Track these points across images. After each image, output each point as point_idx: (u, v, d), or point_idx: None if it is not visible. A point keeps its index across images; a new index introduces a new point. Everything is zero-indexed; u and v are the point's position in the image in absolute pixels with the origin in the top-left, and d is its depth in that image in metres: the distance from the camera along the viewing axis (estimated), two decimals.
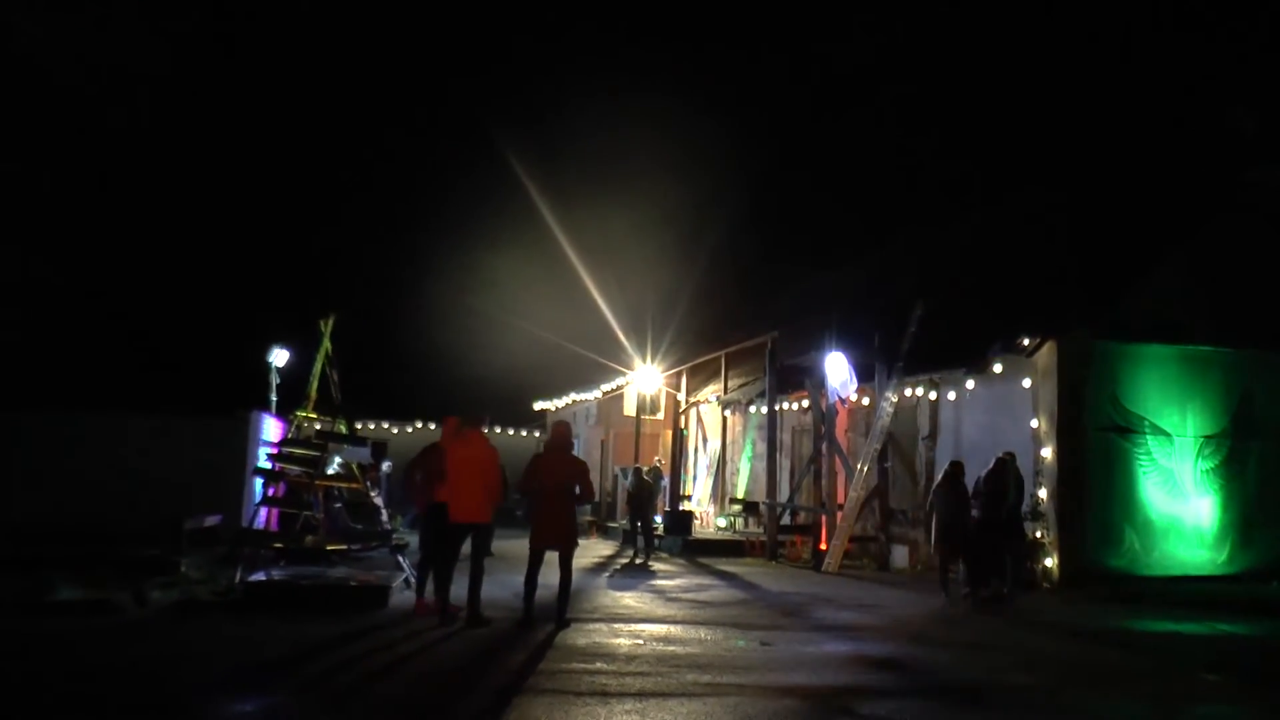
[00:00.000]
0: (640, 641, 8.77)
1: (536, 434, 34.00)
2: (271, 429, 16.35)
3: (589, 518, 23.70)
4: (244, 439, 15.40)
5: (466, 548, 9.77)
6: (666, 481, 21.60)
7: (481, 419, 9.92)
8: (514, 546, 16.05)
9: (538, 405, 32.25)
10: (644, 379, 22.28)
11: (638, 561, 16.70)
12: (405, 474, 10.54)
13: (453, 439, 9.94)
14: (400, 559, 12.52)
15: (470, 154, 51.52)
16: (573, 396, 28.40)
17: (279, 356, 16.24)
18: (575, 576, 10.02)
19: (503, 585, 11.66)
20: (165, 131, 40.43)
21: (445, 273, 43.19)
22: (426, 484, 10.06)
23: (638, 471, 18.69)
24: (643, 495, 17.93)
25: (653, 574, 14.83)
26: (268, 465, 13.27)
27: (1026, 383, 14.26)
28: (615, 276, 28.98)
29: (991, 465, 12.33)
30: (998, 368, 14.59)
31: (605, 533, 22.38)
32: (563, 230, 28.64)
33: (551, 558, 9.53)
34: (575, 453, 9.93)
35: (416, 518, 16.81)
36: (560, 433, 9.69)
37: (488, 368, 34.35)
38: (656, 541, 19.36)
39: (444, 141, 49.69)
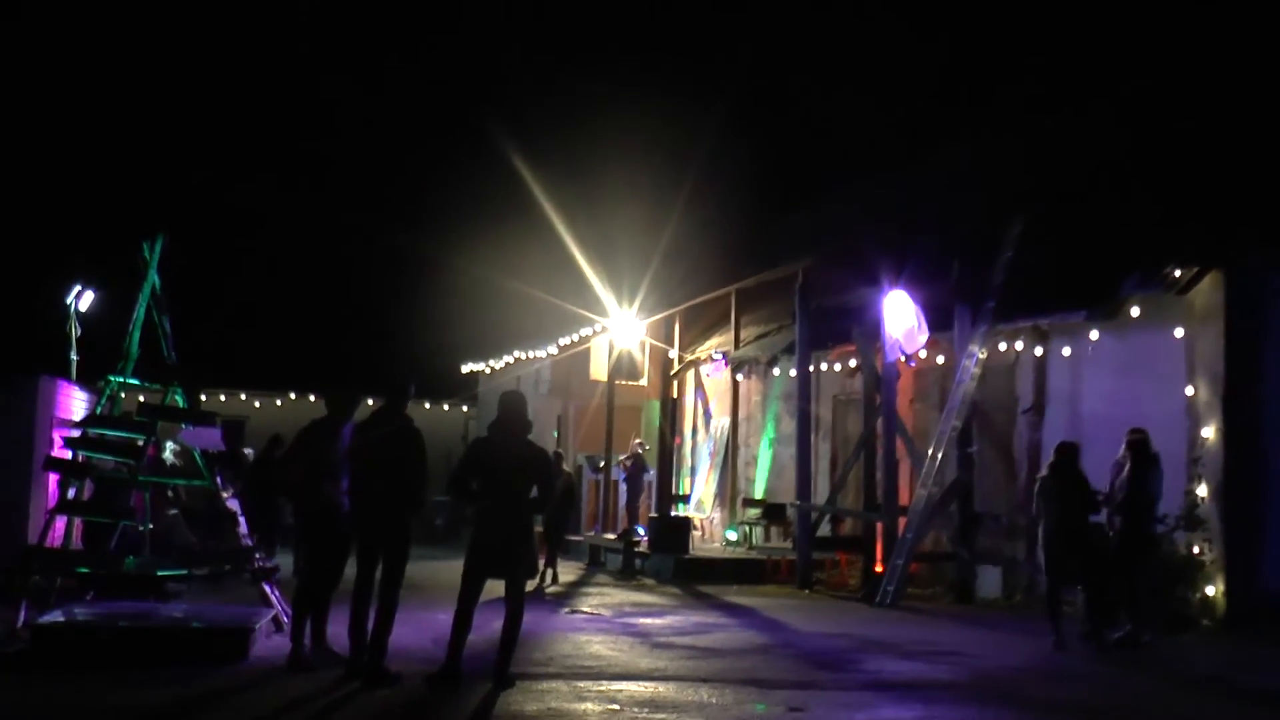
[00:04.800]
0: (616, 707, 8.75)
1: (464, 409, 33.88)
2: (72, 402, 16.05)
3: (537, 528, 23.69)
4: (28, 417, 15.10)
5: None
6: (652, 475, 21.56)
7: (405, 389, 10.04)
8: (432, 571, 15.92)
9: (466, 368, 32.11)
10: (619, 329, 22.06)
11: (547, 587, 17.17)
12: (281, 468, 10.44)
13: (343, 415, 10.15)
14: (268, 589, 12.39)
15: (368, 33, 50.80)
16: (516, 354, 28.24)
17: (83, 298, 15.87)
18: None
19: (417, 625, 11.59)
20: None
21: (330, 182, 42.69)
22: (312, 482, 10.07)
23: (558, 457, 18.96)
24: (565, 493, 18.40)
25: (562, 603, 15.37)
26: (66, 455, 13.03)
27: (1178, 332, 14.24)
28: (578, 186, 28.69)
29: (1127, 449, 12.30)
30: (1135, 310, 14.57)
31: (564, 549, 22.31)
32: (503, 127, 28.39)
33: (493, 588, 9.46)
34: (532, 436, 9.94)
35: (270, 526, 16.68)
36: (511, 407, 9.65)
37: (393, 315, 34.05)
38: (638, 562, 19.45)
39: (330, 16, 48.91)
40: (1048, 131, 21.43)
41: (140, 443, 12.58)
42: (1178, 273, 13.95)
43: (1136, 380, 14.74)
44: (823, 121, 34.34)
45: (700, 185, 28.82)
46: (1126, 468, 12.26)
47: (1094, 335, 15.25)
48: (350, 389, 10.56)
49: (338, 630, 9.95)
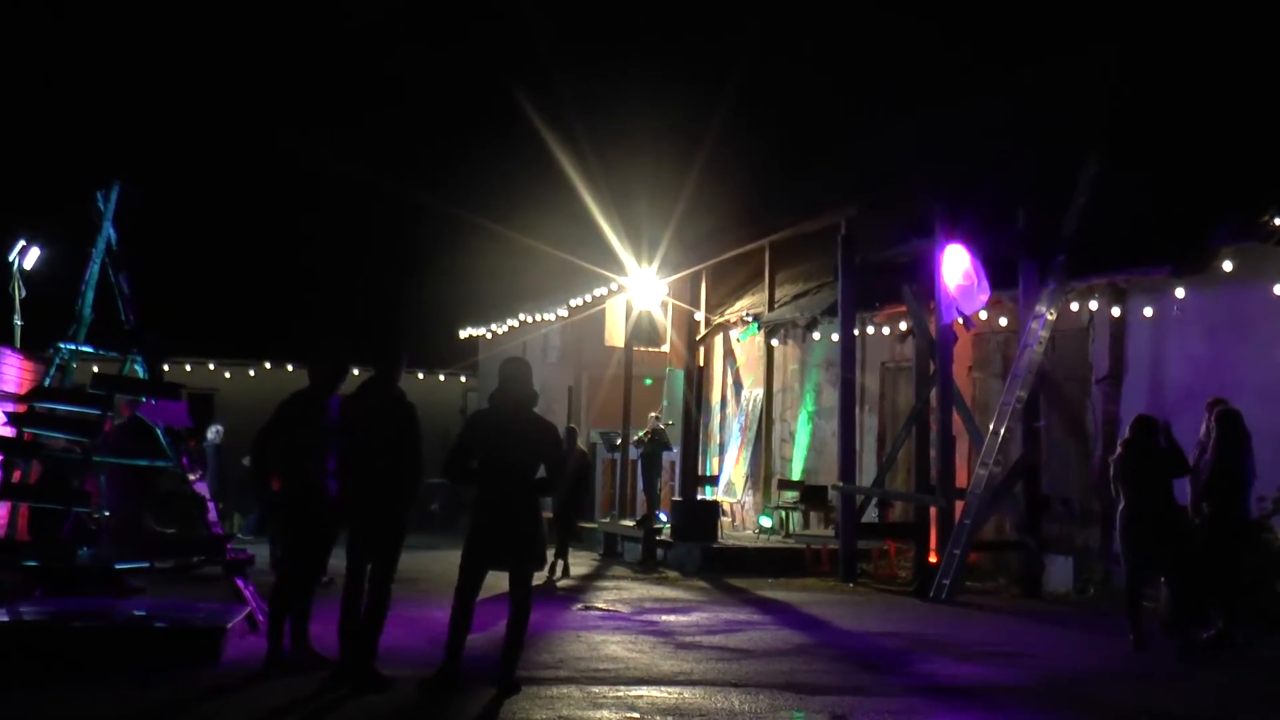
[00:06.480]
0: (635, 715, 8.84)
1: (463, 379, 33.97)
2: (17, 373, 16.12)
3: (546, 513, 23.75)
4: None
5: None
6: (675, 453, 21.56)
7: (398, 358, 10.14)
8: (427, 562, 15.99)
9: (465, 333, 32.16)
10: (638, 289, 22.01)
11: (557, 580, 17.48)
12: (256, 448, 10.60)
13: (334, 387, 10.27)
14: (241, 584, 12.41)
15: None
16: (521, 317, 28.25)
17: (28, 255, 15.90)
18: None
19: (410, 623, 11.68)
20: None
21: (310, 124, 42.64)
22: (292, 462, 10.13)
23: (571, 434, 18.98)
24: (578, 474, 18.77)
25: (574, 598, 15.49)
26: (10, 433, 13.10)
27: (1278, 289, 14.17)
28: (590, 127, 28.56)
29: (1212, 421, 12.27)
30: (1227, 264, 14.49)
31: (577, 537, 22.38)
32: (509, 68, 28.25)
33: (496, 581, 9.49)
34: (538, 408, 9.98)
35: (265, 517, 16.84)
36: (514, 377, 9.72)
37: (382, 274, 34.07)
38: (660, 553, 19.63)
39: None
40: (1126, 58, 21.29)
41: (94, 418, 12.62)
42: (1277, 220, 13.85)
43: (1229, 344, 14.72)
44: (867, 48, 34.14)
45: (729, 124, 28.69)
46: (1211, 444, 12.19)
47: (1180, 293, 15.17)
48: (335, 358, 10.62)
49: (320, 630, 9.98)
